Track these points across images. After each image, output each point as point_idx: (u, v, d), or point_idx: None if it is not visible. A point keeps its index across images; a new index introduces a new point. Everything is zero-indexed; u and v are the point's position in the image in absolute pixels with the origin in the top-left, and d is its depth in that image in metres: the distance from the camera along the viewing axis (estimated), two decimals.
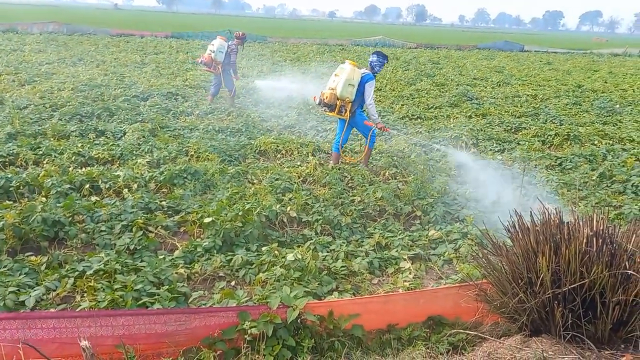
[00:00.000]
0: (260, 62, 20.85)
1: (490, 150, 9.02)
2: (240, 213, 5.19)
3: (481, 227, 5.50)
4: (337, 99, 7.02)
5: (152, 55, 20.51)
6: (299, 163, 7.53)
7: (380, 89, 15.37)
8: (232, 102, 11.60)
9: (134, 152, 7.56)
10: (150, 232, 5.09)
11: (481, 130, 10.34)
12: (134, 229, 5.00)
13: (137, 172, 6.56)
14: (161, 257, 4.60)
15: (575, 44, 59.35)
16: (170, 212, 5.61)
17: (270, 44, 32.41)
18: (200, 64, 11.44)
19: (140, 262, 4.48)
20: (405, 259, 4.83)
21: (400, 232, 5.47)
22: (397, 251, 4.96)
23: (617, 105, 14.13)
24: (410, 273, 4.60)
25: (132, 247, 4.71)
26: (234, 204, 5.59)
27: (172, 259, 4.59)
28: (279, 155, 8.07)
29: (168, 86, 13.19)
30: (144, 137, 8.36)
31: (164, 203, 5.73)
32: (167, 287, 3.97)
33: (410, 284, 4.33)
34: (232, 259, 4.63)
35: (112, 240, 4.85)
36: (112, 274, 4.13)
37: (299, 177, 6.93)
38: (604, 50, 44.49)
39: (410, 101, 13.64)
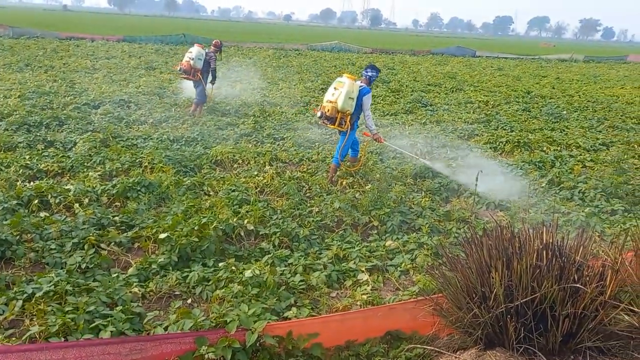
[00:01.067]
0: None
1: (445, 157, 9.19)
2: (196, 227, 5.12)
3: (437, 236, 5.64)
4: (338, 111, 7.13)
5: (103, 60, 20.00)
6: (256, 173, 7.49)
7: None
8: (201, 110, 11.52)
9: (85, 164, 7.35)
10: (103, 249, 4.96)
11: (435, 138, 10.55)
12: (85, 247, 4.86)
13: (89, 186, 6.38)
14: (114, 275, 4.48)
15: (525, 49, 61.29)
16: (123, 227, 5.48)
17: (225, 48, 32.08)
18: (179, 71, 11.38)
19: (93, 281, 4.36)
20: (363, 271, 4.87)
21: (357, 242, 5.51)
22: (355, 263, 4.99)
23: (564, 112, 14.66)
24: (368, 285, 4.63)
25: (83, 266, 4.57)
26: (190, 217, 5.51)
27: (126, 277, 4.48)
28: (235, 165, 8.00)
29: (120, 93, 12.89)
30: (95, 147, 8.14)
31: (117, 218, 5.58)
32: (120, 307, 3.87)
33: (368, 297, 4.36)
34: (188, 275, 4.55)
35: (63, 259, 4.70)
36: (63, 296, 3.99)
37: (256, 188, 6.88)
38: (551, 56, 46.13)
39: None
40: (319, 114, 7.30)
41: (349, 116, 7.25)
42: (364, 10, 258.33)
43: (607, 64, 42.86)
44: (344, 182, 7.30)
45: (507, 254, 3.25)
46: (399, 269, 5.02)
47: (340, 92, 7.12)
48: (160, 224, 5.34)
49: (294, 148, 9.15)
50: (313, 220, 5.84)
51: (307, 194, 6.86)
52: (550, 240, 3.48)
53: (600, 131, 12.34)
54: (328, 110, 7.14)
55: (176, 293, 4.41)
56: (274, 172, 7.40)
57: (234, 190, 6.46)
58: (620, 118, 14.15)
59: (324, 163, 8.21)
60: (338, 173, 7.62)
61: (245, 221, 5.52)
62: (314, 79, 19.03)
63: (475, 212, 6.74)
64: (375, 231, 5.89)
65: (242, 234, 5.40)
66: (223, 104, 12.48)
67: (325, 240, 5.56)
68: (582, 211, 6.51)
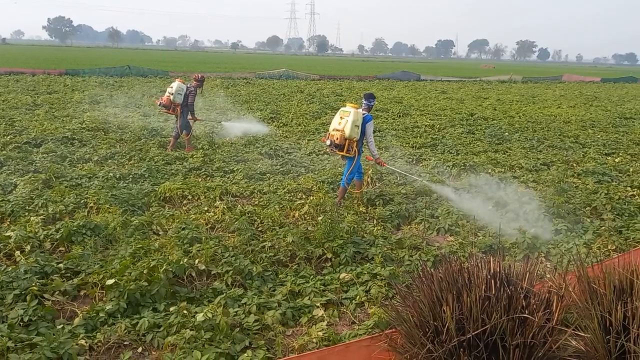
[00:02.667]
0: None
1: (395, 183, 9.34)
2: (145, 271, 4.98)
3: (390, 266, 5.68)
4: (346, 139, 7.61)
5: (45, 96, 19.43)
6: (206, 208, 7.38)
7: (287, 124, 15.53)
8: (175, 143, 11.53)
9: (27, 207, 7.04)
10: (47, 299, 4.73)
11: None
12: (28, 298, 4.62)
13: (30, 231, 6.10)
14: (59, 327, 4.29)
15: (466, 71, 63.60)
16: (68, 275, 5.26)
17: (172, 78, 31.77)
18: (159, 105, 11.44)
19: (36, 335, 4.14)
20: (318, 306, 4.84)
21: (312, 276, 5.48)
22: (309, 298, 4.96)
23: (506, 133, 15.21)
24: (323, 321, 4.60)
25: (26, 319, 4.34)
26: (139, 260, 5.35)
27: (72, 328, 4.29)
28: (185, 201, 7.87)
29: (63, 130, 12.50)
30: (37, 189, 7.83)
31: (61, 265, 5.36)
32: None
33: (324, 334, 4.33)
34: (138, 322, 4.40)
35: (4, 313, 4.45)
36: (5, 353, 3.78)
37: (206, 224, 6.78)
38: (492, 77, 47.98)
39: (316, 136, 13.85)
40: (328, 142, 7.76)
41: (355, 142, 7.74)
42: (310, 37, 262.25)
43: (544, 84, 44.89)
44: (297, 214, 7.29)
45: (457, 286, 3.31)
46: (353, 301, 5.01)
47: (347, 120, 7.60)
48: (107, 269, 5.15)
49: (244, 181, 9.09)
50: (266, 256, 5.78)
51: (260, 228, 6.80)
52: (498, 269, 3.57)
53: (540, 151, 12.85)
54: (337, 139, 7.61)
55: (126, 342, 4.25)
56: (224, 207, 7.31)
57: (184, 229, 6.33)
58: (558, 137, 14.80)
59: (276, 195, 8.18)
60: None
61: (197, 261, 5.41)
62: (262, 107, 19.06)
63: (427, 239, 6.85)
64: (329, 264, 5.88)
65: (194, 274, 5.29)
66: (170, 137, 12.30)
67: (279, 276, 5.51)
68: (528, 233, 6.72)
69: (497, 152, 12.59)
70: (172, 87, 11.20)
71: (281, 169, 10.05)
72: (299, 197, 8.17)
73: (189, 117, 11.40)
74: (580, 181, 9.67)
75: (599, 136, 15.45)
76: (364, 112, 7.88)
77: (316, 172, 9.85)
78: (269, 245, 6.09)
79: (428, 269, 3.41)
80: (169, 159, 10.35)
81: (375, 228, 6.90)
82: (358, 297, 5.05)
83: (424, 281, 3.40)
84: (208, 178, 9.30)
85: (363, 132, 7.80)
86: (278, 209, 7.42)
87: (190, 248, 5.77)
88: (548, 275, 3.81)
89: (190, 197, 7.99)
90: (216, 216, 6.99)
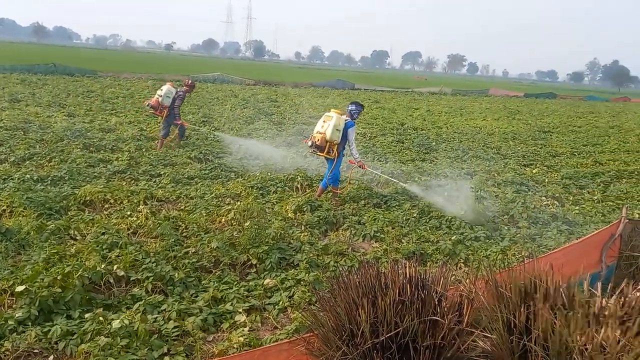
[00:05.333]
0: (89, 99, 19.68)
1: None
2: (59, 277, 4.77)
3: (314, 272, 5.74)
4: (327, 141, 8.15)
5: None
6: (129, 213, 7.17)
7: (219, 129, 15.37)
8: (161, 144, 11.88)
9: None
10: None
11: (316, 170, 10.81)
12: None
13: None
14: None
15: (399, 82, 65.22)
16: None
17: (101, 78, 30.79)
18: (148, 106, 12.11)
19: None
20: (240, 312, 4.81)
21: (236, 283, 5.45)
22: (232, 304, 4.92)
23: (434, 143, 15.75)
24: (245, 326, 4.59)
25: None
26: (52, 266, 5.12)
27: None
28: (106, 206, 7.61)
29: None
30: None
31: None
32: None
33: (245, 339, 4.31)
34: (50, 330, 4.22)
35: None
36: None
37: (128, 230, 6.59)
38: (423, 89, 49.47)
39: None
40: (309, 143, 8.34)
41: (336, 145, 8.27)
42: (247, 41, 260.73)
43: (472, 96, 46.78)
44: (223, 220, 7.22)
45: (373, 290, 3.39)
46: (277, 307, 5.02)
47: (329, 124, 8.17)
48: (18, 275, 4.91)
49: (171, 185, 8.92)
50: (189, 262, 5.69)
51: (184, 234, 6.67)
52: (414, 274, 3.69)
53: (465, 161, 13.38)
54: (318, 140, 8.19)
55: (36, 350, 4.06)
56: (148, 211, 7.13)
57: (103, 233, 6.13)
58: (482, 148, 15.48)
59: (203, 200, 8.08)
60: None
61: (115, 267, 5.24)
62: (195, 111, 18.78)
63: (353, 245, 6.97)
64: (254, 270, 5.86)
65: (112, 280, 5.12)
66: (95, 139, 11.89)
67: (202, 282, 5.44)
68: (449, 239, 6.98)
69: (424, 160, 13.00)
70: (162, 90, 11.78)
71: (210, 174, 9.94)
72: (226, 202, 8.11)
73: (175, 120, 11.86)
74: (500, 190, 10.14)
75: (519, 148, 16.29)
76: (346, 118, 8.40)
77: (246, 178, 9.80)
78: (193, 251, 6.00)
79: (345, 274, 3.48)
80: (92, 160, 9.98)
81: (303, 234, 6.95)
82: (281, 302, 5.07)
83: (342, 286, 3.45)
84: (133, 182, 9.06)
85: (345, 137, 8.33)
86: (204, 214, 7.33)
87: (109, 253, 5.59)
88: (464, 280, 3.97)
89: (112, 201, 7.74)
90: (139, 221, 6.80)
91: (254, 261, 5.96)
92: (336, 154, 8.37)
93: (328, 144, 8.22)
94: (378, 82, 55.40)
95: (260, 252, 6.06)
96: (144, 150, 11.48)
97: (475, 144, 16.25)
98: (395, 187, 9.61)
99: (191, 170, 10.02)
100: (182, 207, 7.76)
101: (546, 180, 11.54)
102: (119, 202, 7.73)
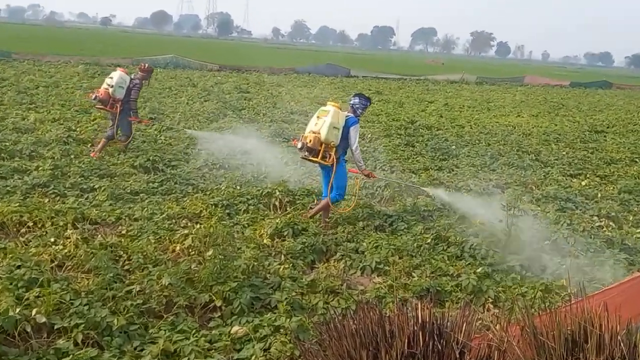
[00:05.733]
0: None
1: (311, 208, 9.45)
2: None
3: (298, 316, 5.73)
4: (321, 143, 8.10)
5: None
6: (53, 239, 7.13)
7: (171, 128, 15.37)
8: (126, 148, 12.20)
9: None
10: None
11: (299, 183, 10.83)
12: None
13: None
14: None
15: (409, 67, 65.79)
16: None
17: (16, 62, 30.70)
18: (94, 100, 11.96)
19: None
20: None
21: (194, 331, 5.42)
22: None
23: (454, 146, 15.86)
24: None
25: None
26: None
27: None
28: (23, 230, 7.56)
29: None
30: None
31: None
32: None
33: None
34: None
35: None
36: None
37: (52, 262, 6.54)
38: (439, 76, 49.86)
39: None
40: (299, 145, 8.28)
41: (334, 148, 8.26)
42: (209, 14, 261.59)
43: (502, 86, 47.28)
44: (178, 248, 7.19)
45: (375, 340, 3.40)
46: None
47: (324, 121, 8.14)
48: None
49: (109, 202, 8.89)
50: (132, 304, 5.65)
51: (126, 267, 6.64)
52: (428, 319, 3.70)
53: (494, 170, 13.48)
54: (310, 141, 8.12)
55: None
56: (78, 237, 7.09)
57: (18, 267, 6.06)
58: (516, 153, 15.61)
59: (151, 222, 8.06)
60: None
61: (34, 311, 5.19)
62: (140, 105, 18.71)
63: (348, 280, 6.97)
64: (218, 314, 5.84)
65: (29, 329, 5.07)
66: (8, 142, 11.84)
67: (150, 331, 5.41)
68: (474, 272, 7.01)
69: (440, 169, 13.07)
70: (112, 78, 11.78)
71: (161, 188, 9.93)
72: (182, 224, 8.09)
73: (131, 117, 11.96)
74: (539, 208, 10.21)
75: (564, 153, 16.45)
76: (348, 114, 8.51)
77: (208, 192, 9.79)
78: (138, 289, 5.96)
79: (338, 318, 3.48)
80: (3, 171, 9.92)
81: (282, 266, 6.93)
82: (254, 357, 5.05)
83: (333, 335, 3.46)
84: (58, 198, 9.01)
85: (346, 138, 8.38)
86: (153, 241, 7.31)
87: (26, 293, 5.52)
88: (493, 326, 3.99)
89: (31, 224, 7.69)
90: (66, 250, 6.76)
91: (219, 302, 5.93)
92: (334, 160, 8.33)
93: (323, 146, 8.20)
94: (381, 68, 55.82)
95: (227, 290, 6.03)
96: (72, 156, 11.43)
97: (508, 148, 16.38)
98: (404, 205, 9.65)
99: (135, 183, 10.00)
100: (124, 232, 7.71)
101: (599, 195, 11.65)
102: (39, 226, 7.67)
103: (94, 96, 11.96)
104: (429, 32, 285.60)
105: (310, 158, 8.35)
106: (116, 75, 11.88)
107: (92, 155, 11.70)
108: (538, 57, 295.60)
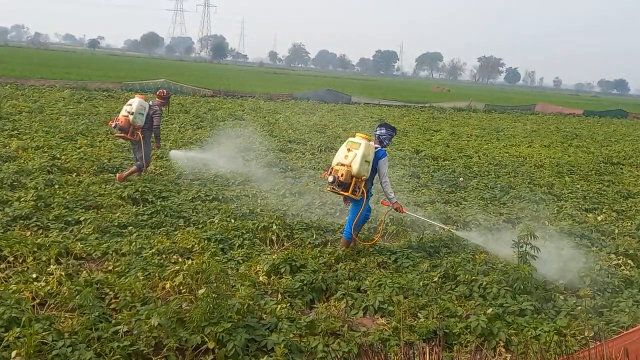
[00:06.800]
0: None
1: (310, 243, 9.45)
2: None
3: None
4: (352, 176, 8.36)
5: None
6: (34, 275, 7.11)
7: (162, 157, 15.41)
8: (140, 175, 12.66)
9: None
10: None
11: (297, 216, 10.83)
12: None
13: None
14: None
15: (413, 93, 66.35)
16: None
17: (1, 87, 30.88)
18: (114, 128, 12.32)
19: None
20: None
21: None
22: None
23: (461, 178, 15.90)
24: None
25: None
26: None
27: None
28: (3, 265, 7.54)
29: None
30: None
31: None
32: None
33: None
34: None
35: None
36: None
37: (33, 299, 6.53)
38: (446, 104, 50.18)
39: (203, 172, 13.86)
40: (330, 178, 8.49)
41: (364, 182, 8.53)
42: (203, 37, 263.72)
43: (512, 114, 47.62)
44: (168, 286, 7.17)
45: None
46: None
47: (356, 154, 8.40)
48: None
49: (94, 236, 8.88)
50: (119, 346, 5.62)
51: (113, 306, 6.63)
52: None
53: (504, 204, 13.50)
54: (342, 175, 8.35)
55: None
56: (62, 273, 7.09)
57: None
58: (527, 186, 15.64)
59: (140, 257, 8.05)
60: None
61: (14, 353, 5.17)
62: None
63: (349, 321, 6.93)
64: (211, 357, 5.81)
65: None
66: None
67: None
68: (484, 313, 6.97)
69: (447, 203, 13.08)
70: (131, 105, 12.20)
71: (150, 220, 9.92)
72: (172, 260, 8.09)
73: (155, 143, 12.62)
74: (553, 245, 10.19)
75: (578, 186, 16.49)
76: (376, 145, 8.79)
77: (200, 226, 9.78)
78: (125, 330, 5.94)
79: None
80: None
81: (280, 306, 6.91)
82: None
83: None
84: (41, 231, 9.00)
85: (374, 170, 8.67)
86: (141, 278, 7.30)
87: (6, 334, 5.51)
88: None
89: (11, 258, 7.69)
90: (49, 287, 6.76)
91: (211, 344, 5.90)
92: (364, 193, 8.62)
93: (354, 180, 8.42)
94: (384, 94, 56.23)
95: (220, 331, 5.99)
96: (57, 186, 11.45)
97: (519, 180, 16.42)
98: (409, 240, 9.65)
99: (123, 216, 9.99)
100: (110, 268, 7.72)
101: (616, 231, 11.64)
102: (20, 261, 7.67)
103: (114, 124, 12.31)
104: (434, 57, 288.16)
105: (341, 192, 8.55)
106: (135, 102, 12.26)
107: (118, 177, 12.40)
108: (550, 84, 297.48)
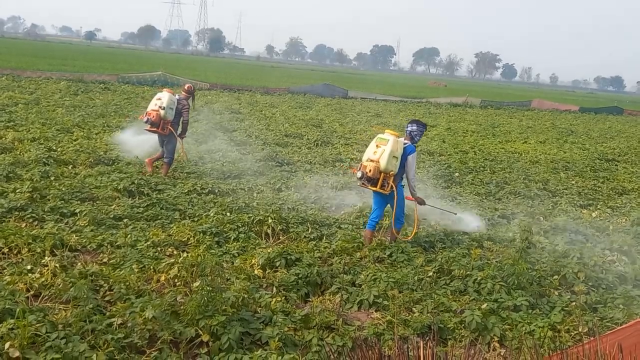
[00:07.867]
0: None
1: (305, 237, 9.44)
2: None
3: (291, 353, 5.68)
4: (381, 172, 8.56)
5: None
6: (29, 267, 7.09)
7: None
8: (166, 171, 12.87)
9: None
10: None
11: (293, 210, 10.81)
12: None
13: None
14: None
15: (410, 88, 66.36)
16: None
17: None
18: (146, 122, 12.43)
19: None
20: None
21: None
22: None
23: (457, 174, 15.90)
24: None
25: None
26: None
27: None
28: None
29: None
30: None
31: None
32: None
33: None
34: None
35: None
36: None
37: (28, 291, 6.51)
38: (442, 99, 50.23)
39: (199, 167, 13.90)
40: (359, 174, 8.74)
41: (392, 177, 8.70)
42: (200, 30, 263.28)
43: (508, 110, 47.60)
44: (163, 278, 7.16)
45: None
46: None
47: (384, 150, 8.58)
48: None
49: (90, 228, 8.86)
50: (113, 338, 5.59)
51: (107, 298, 6.61)
52: (430, 358, 3.68)
53: (499, 199, 13.51)
54: (370, 171, 8.58)
55: None
56: (57, 265, 7.06)
57: None
58: (523, 182, 15.66)
59: (135, 250, 8.03)
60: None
61: (7, 345, 5.14)
62: (125, 124, 18.78)
63: (344, 315, 6.93)
64: (205, 350, 5.79)
65: None
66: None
67: None
68: (478, 308, 6.97)
69: (443, 198, 13.08)
70: (161, 100, 12.43)
71: (146, 213, 9.89)
72: (168, 253, 8.08)
73: (180, 135, 12.97)
74: (547, 241, 10.22)
75: (573, 182, 16.52)
76: (405, 141, 8.96)
77: (196, 219, 9.76)
78: (119, 322, 5.92)
79: (334, 356, 3.45)
80: None
81: (274, 299, 6.89)
82: None
83: None
84: (36, 223, 8.97)
85: (402, 166, 8.83)
86: (136, 270, 7.28)
87: (0, 325, 5.50)
88: None
89: (6, 250, 7.66)
90: (43, 279, 6.72)
91: (206, 337, 5.88)
92: (394, 188, 8.80)
93: (382, 175, 8.60)
94: (380, 89, 56.17)
95: (215, 324, 5.98)
96: (52, 178, 11.41)
97: (514, 176, 16.44)
98: (407, 235, 9.64)
99: (119, 208, 9.98)
100: (105, 260, 7.70)
101: (611, 227, 11.65)
102: (15, 252, 7.64)
103: (145, 118, 12.39)
104: (431, 52, 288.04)
105: (370, 187, 8.78)
106: (165, 97, 12.46)
107: (163, 174, 12.70)
108: (546, 80, 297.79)
